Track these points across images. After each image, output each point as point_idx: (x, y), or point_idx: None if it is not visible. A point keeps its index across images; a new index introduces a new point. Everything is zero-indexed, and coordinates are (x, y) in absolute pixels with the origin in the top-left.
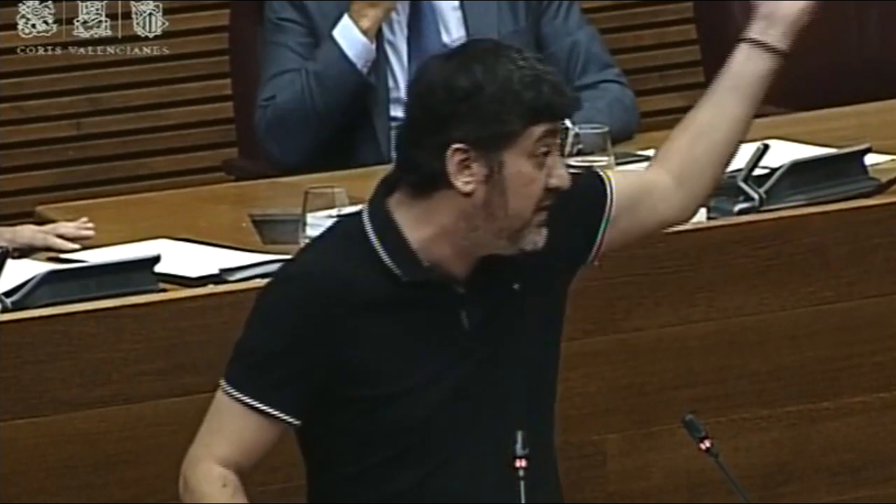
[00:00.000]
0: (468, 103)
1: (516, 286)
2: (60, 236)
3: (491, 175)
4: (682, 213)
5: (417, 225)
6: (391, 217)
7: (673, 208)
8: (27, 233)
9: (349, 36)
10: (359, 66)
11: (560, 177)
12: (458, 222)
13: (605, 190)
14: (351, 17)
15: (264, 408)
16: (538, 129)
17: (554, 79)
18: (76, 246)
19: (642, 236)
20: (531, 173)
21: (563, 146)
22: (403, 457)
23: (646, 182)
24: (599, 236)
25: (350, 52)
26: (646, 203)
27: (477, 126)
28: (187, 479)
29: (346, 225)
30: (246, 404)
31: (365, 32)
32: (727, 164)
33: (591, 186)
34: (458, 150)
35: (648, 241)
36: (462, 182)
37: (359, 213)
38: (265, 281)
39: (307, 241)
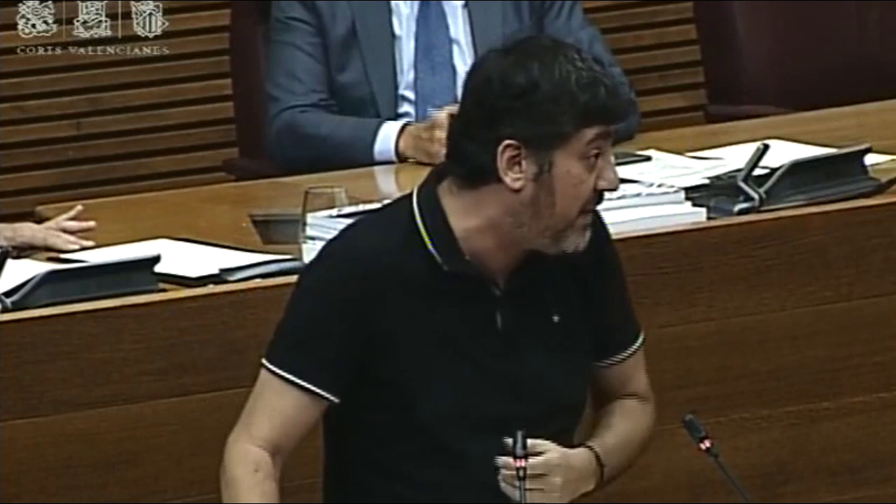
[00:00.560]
0: (523, 100)
1: (556, 318)
2: (63, 230)
3: (540, 173)
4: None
5: (464, 215)
6: (439, 204)
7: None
8: (27, 231)
9: (388, 144)
10: (374, 158)
11: (609, 180)
12: (505, 217)
13: (633, 343)
14: (405, 131)
15: (306, 384)
16: (591, 132)
17: (610, 82)
18: (75, 246)
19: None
20: (581, 174)
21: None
22: (424, 451)
23: (629, 384)
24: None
25: (377, 149)
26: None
27: (530, 124)
28: (224, 459)
29: (396, 207)
30: (287, 381)
31: (398, 152)
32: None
33: (631, 325)
34: (509, 146)
35: (648, 241)
36: (511, 178)
37: (409, 196)
38: (265, 281)
39: (306, 242)
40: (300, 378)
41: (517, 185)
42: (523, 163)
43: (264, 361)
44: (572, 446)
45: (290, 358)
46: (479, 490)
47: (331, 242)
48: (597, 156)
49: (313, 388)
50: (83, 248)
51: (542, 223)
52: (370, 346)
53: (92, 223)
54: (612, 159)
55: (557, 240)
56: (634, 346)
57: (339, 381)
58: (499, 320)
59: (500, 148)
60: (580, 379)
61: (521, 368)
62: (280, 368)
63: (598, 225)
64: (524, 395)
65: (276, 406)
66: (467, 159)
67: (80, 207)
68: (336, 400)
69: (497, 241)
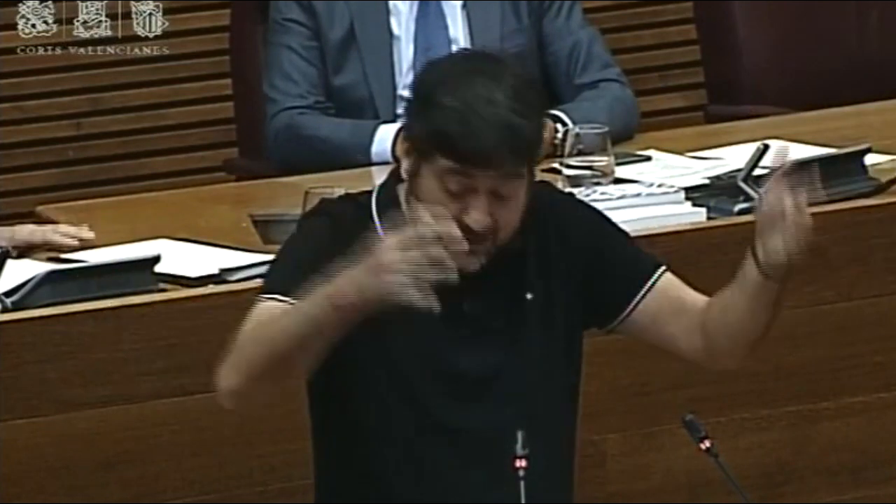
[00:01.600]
0: (416, 97)
1: (529, 296)
2: (60, 234)
3: (414, 175)
4: (696, 356)
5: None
6: (397, 199)
7: (691, 348)
8: (26, 230)
9: (385, 145)
10: (372, 159)
11: (472, 220)
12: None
13: (652, 274)
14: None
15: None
16: (443, 162)
17: (494, 127)
18: (75, 244)
19: (656, 344)
20: (439, 198)
21: (563, 147)
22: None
23: (688, 303)
24: (625, 312)
25: (374, 150)
26: (675, 322)
27: (412, 122)
28: (229, 355)
29: (357, 197)
30: (281, 301)
31: (395, 155)
32: (749, 342)
33: (643, 263)
34: (402, 135)
35: (649, 241)
36: (403, 166)
37: (368, 193)
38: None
39: None
40: (294, 298)
41: (404, 174)
42: (407, 158)
43: (256, 297)
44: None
45: (281, 284)
46: (457, 490)
47: (317, 207)
48: (461, 192)
49: None
50: (82, 248)
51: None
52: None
53: (91, 235)
54: (482, 202)
55: None
56: (659, 272)
57: None
58: (466, 308)
59: (401, 135)
60: (567, 362)
61: (490, 356)
62: (271, 292)
63: (572, 205)
64: (496, 388)
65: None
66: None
67: (86, 226)
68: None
69: None
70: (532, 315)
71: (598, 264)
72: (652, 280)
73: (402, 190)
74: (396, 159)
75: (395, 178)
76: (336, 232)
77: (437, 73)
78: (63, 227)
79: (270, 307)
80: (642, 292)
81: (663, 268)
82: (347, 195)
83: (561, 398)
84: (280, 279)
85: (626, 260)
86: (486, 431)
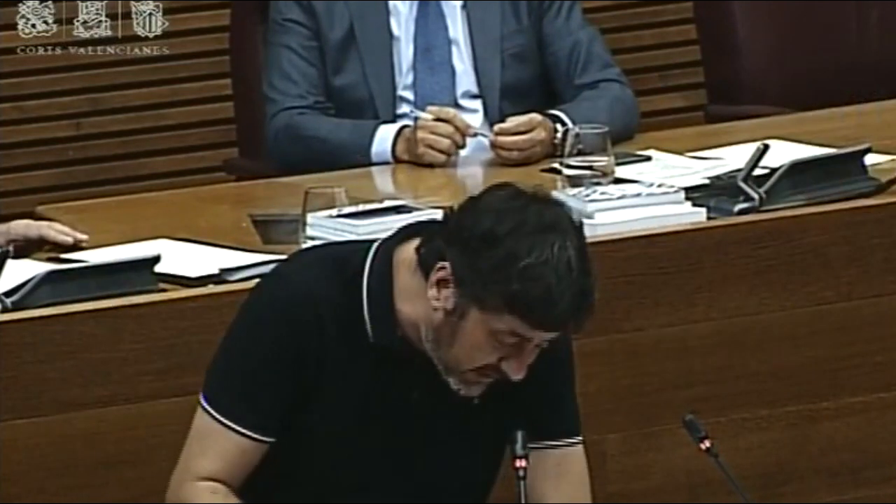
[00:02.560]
0: (480, 243)
1: (476, 400)
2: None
3: (453, 313)
4: None
5: (405, 296)
6: (391, 272)
7: None
8: (21, 225)
9: (384, 146)
10: (372, 159)
11: (511, 370)
12: (422, 323)
13: (562, 438)
14: (401, 134)
15: (248, 432)
16: (510, 321)
17: (574, 298)
18: (70, 240)
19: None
20: (483, 346)
21: (563, 147)
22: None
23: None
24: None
25: (374, 151)
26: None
27: (469, 268)
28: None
29: (349, 254)
30: (232, 429)
31: (395, 154)
32: None
33: (567, 422)
34: (443, 268)
35: (648, 241)
36: (432, 294)
37: (365, 250)
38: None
39: (306, 242)
40: (245, 427)
41: (434, 304)
42: (446, 291)
43: (203, 402)
44: None
45: (230, 402)
46: None
47: (269, 280)
48: (511, 345)
49: (257, 435)
50: (82, 248)
51: (439, 353)
52: (297, 392)
53: (84, 237)
54: (528, 357)
55: (447, 375)
56: (559, 442)
57: (279, 424)
58: (415, 397)
59: (438, 265)
60: (486, 465)
61: (423, 449)
62: (220, 414)
63: None
64: (419, 477)
65: (219, 450)
66: (423, 250)
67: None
68: (273, 440)
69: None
70: (473, 415)
71: (539, 389)
72: (556, 443)
73: (403, 258)
74: (397, 158)
75: (397, 239)
76: (304, 331)
77: (510, 224)
78: (58, 226)
79: (222, 439)
80: (542, 444)
81: (573, 443)
82: (331, 249)
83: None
84: (232, 399)
85: (562, 404)
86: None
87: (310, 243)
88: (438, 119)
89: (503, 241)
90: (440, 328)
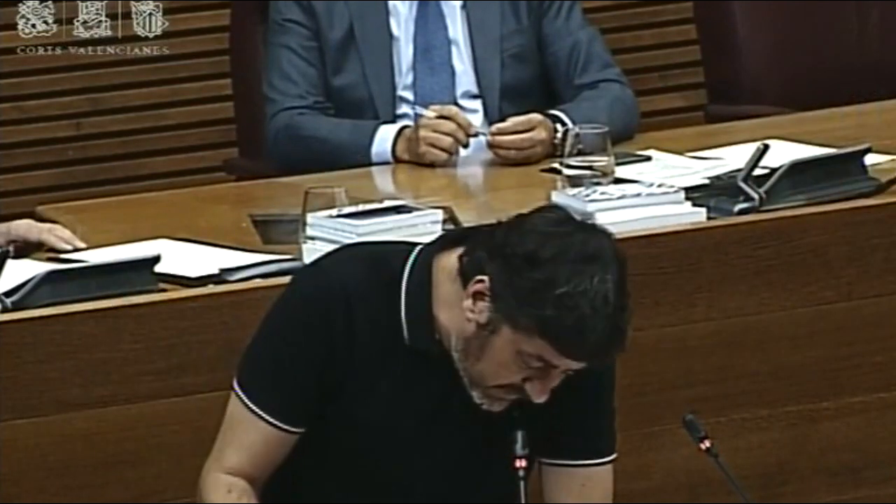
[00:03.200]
0: (521, 263)
1: (515, 413)
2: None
3: (485, 327)
4: None
5: (443, 303)
6: (430, 279)
7: None
8: (23, 226)
9: (385, 146)
10: (372, 159)
11: (533, 393)
12: (454, 331)
13: (594, 458)
14: (401, 134)
15: (278, 423)
16: (539, 344)
17: (606, 332)
18: (69, 247)
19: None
20: (509, 364)
21: (563, 147)
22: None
23: None
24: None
25: (374, 151)
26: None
27: (507, 286)
28: (199, 492)
29: (390, 255)
30: (261, 417)
31: (395, 155)
32: None
33: (601, 441)
34: (481, 280)
35: (648, 241)
36: (468, 305)
37: (407, 253)
38: (265, 281)
39: (306, 242)
40: (274, 416)
41: (469, 315)
42: (481, 304)
43: (237, 388)
44: None
45: (264, 393)
46: None
47: (311, 268)
48: (537, 368)
49: (286, 426)
50: (83, 248)
51: (465, 364)
52: (327, 384)
53: (82, 245)
54: (553, 382)
55: (471, 387)
56: (590, 462)
57: (307, 416)
58: (455, 400)
59: (477, 277)
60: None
61: (452, 454)
62: (254, 403)
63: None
64: (446, 479)
65: (248, 441)
66: (467, 258)
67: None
68: (301, 431)
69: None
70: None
71: (572, 403)
72: (584, 462)
73: (443, 264)
74: (397, 158)
75: (438, 245)
76: (338, 325)
77: (554, 251)
78: (59, 230)
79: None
80: (570, 462)
81: (604, 463)
82: (373, 247)
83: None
84: (263, 387)
85: (592, 423)
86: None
87: (310, 243)
88: (441, 117)
89: (544, 265)
90: (470, 340)
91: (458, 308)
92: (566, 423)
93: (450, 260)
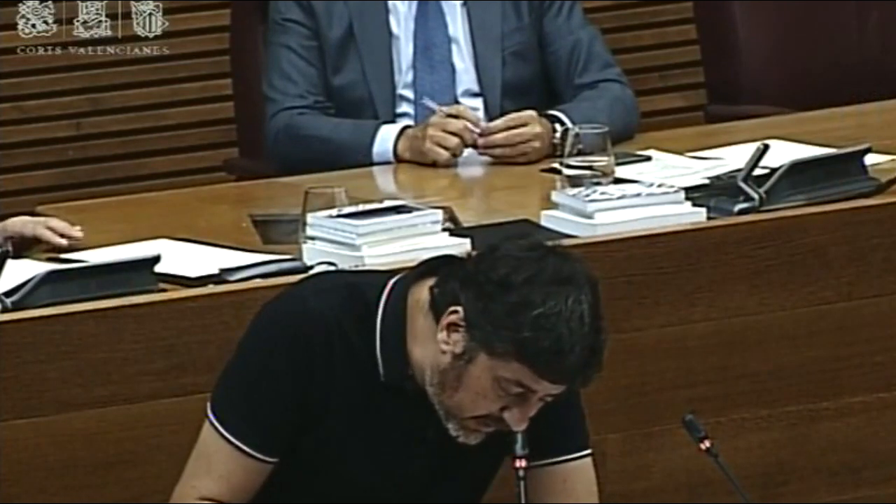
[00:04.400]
0: (495, 288)
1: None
2: (50, 229)
3: (461, 357)
4: None
5: (417, 339)
6: (404, 313)
7: None
8: (18, 223)
9: (386, 146)
10: (374, 159)
11: (512, 422)
12: (429, 365)
13: (573, 452)
14: (403, 134)
15: (256, 454)
16: (517, 368)
17: (584, 353)
18: (64, 242)
19: None
20: (488, 392)
21: (562, 147)
22: None
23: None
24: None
25: (375, 150)
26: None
27: (482, 312)
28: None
29: (364, 287)
30: (237, 447)
31: (396, 154)
32: None
33: (576, 437)
34: (455, 311)
35: (648, 241)
36: (442, 338)
37: (382, 284)
38: (265, 281)
39: (306, 242)
40: (249, 446)
41: (443, 347)
42: (455, 335)
43: (211, 416)
44: None
45: (239, 420)
46: None
47: (289, 295)
48: (516, 395)
49: (261, 455)
50: (82, 248)
51: (441, 398)
52: (303, 414)
53: (79, 234)
54: (531, 408)
55: (447, 420)
56: (567, 457)
57: (283, 446)
58: (431, 432)
59: (450, 309)
60: (487, 482)
61: (430, 483)
62: (228, 432)
63: None
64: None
65: (224, 471)
66: (437, 292)
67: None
68: (276, 461)
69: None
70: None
71: (546, 408)
72: (564, 458)
73: (416, 297)
74: (398, 158)
75: (413, 279)
76: (315, 354)
77: (526, 275)
78: (54, 222)
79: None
80: (550, 461)
81: (582, 456)
82: (349, 277)
83: None
84: (239, 417)
85: (566, 419)
86: None
87: (309, 243)
88: (450, 115)
89: (518, 289)
90: (446, 372)
91: (431, 342)
92: (541, 423)
93: (423, 292)
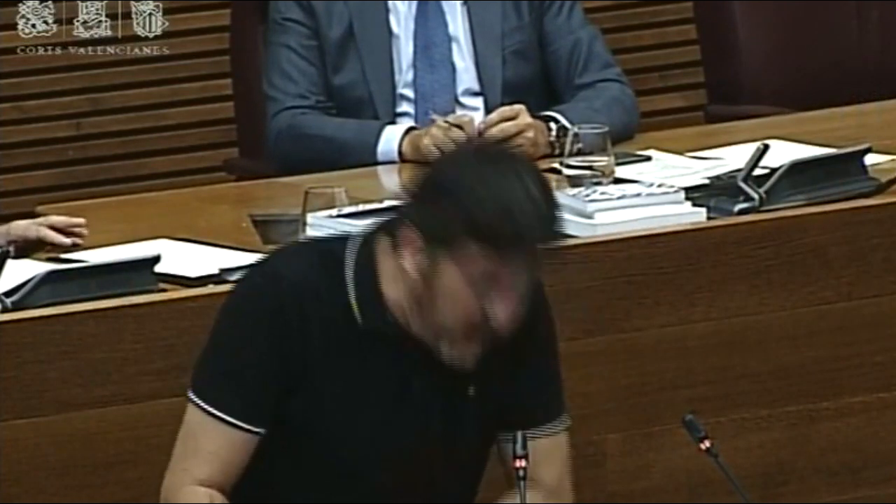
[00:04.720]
0: (431, 189)
1: (471, 392)
2: (52, 227)
3: (428, 273)
4: None
5: (390, 279)
6: (374, 259)
7: None
8: (21, 226)
9: (391, 145)
10: (378, 158)
11: (499, 319)
12: (406, 296)
13: (549, 421)
14: (409, 135)
15: (240, 423)
16: (478, 252)
17: (531, 205)
18: (68, 242)
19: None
20: (462, 294)
21: (562, 147)
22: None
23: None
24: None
25: (380, 150)
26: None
27: (428, 216)
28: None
29: (332, 245)
30: (222, 420)
31: (401, 155)
32: None
33: (553, 406)
34: (406, 227)
35: (648, 241)
36: (406, 263)
37: (344, 240)
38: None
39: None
40: (236, 417)
41: (410, 270)
42: (417, 255)
43: (191, 395)
44: None
45: (220, 393)
46: None
47: (257, 270)
48: (487, 284)
49: (248, 426)
50: (82, 248)
51: (425, 323)
52: (285, 380)
53: (83, 230)
54: (512, 304)
55: (437, 344)
56: (550, 426)
57: (269, 413)
58: (415, 384)
59: (402, 227)
60: (477, 456)
61: (418, 436)
62: (214, 407)
63: (544, 310)
64: (413, 463)
65: (213, 449)
66: (392, 224)
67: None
68: (263, 431)
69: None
70: (467, 411)
71: (522, 375)
72: (546, 429)
73: (384, 247)
74: (403, 158)
75: (375, 232)
76: (289, 318)
77: (455, 165)
78: (54, 218)
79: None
80: (536, 432)
81: (563, 423)
82: (314, 242)
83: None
84: (222, 390)
85: (545, 387)
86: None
87: None
88: (453, 126)
89: (454, 182)
90: (421, 295)
91: (402, 277)
92: (519, 394)
93: (386, 238)
